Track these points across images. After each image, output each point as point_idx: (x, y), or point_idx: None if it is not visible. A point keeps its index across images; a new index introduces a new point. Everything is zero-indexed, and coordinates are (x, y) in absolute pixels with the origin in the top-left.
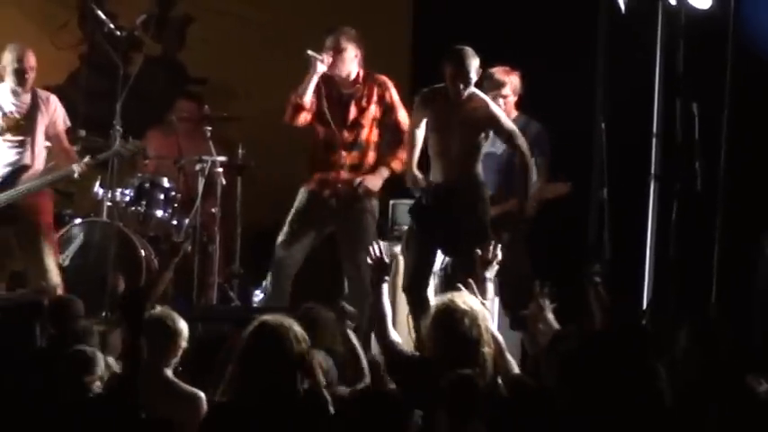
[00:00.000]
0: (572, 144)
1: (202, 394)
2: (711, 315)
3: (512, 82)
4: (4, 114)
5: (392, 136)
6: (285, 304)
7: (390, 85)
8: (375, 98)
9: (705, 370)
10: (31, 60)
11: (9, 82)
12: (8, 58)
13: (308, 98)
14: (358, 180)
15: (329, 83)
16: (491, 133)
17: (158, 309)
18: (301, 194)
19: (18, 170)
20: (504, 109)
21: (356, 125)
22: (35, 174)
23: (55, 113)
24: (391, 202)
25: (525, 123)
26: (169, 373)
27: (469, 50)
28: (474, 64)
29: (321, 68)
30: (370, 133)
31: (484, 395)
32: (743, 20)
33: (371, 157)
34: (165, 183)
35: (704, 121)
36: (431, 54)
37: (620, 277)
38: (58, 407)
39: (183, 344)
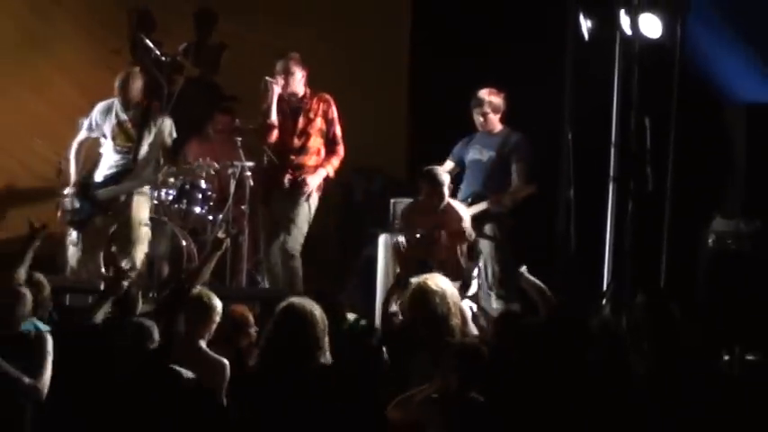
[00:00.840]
0: (544, 151)
1: (227, 362)
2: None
3: (491, 102)
4: (119, 123)
5: (330, 146)
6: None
7: (332, 102)
8: (320, 112)
9: (657, 336)
10: (136, 83)
11: (118, 101)
12: (117, 83)
13: (274, 116)
14: (302, 177)
15: (281, 99)
16: (476, 144)
17: (198, 288)
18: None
19: (122, 172)
20: (484, 123)
21: (304, 134)
22: (135, 176)
23: (162, 126)
24: (392, 200)
25: (507, 134)
26: (203, 343)
27: (440, 169)
28: (446, 180)
29: (277, 90)
30: (314, 141)
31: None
32: (687, 48)
33: (314, 160)
34: (203, 184)
35: (654, 133)
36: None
37: (583, 265)
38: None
39: (217, 318)
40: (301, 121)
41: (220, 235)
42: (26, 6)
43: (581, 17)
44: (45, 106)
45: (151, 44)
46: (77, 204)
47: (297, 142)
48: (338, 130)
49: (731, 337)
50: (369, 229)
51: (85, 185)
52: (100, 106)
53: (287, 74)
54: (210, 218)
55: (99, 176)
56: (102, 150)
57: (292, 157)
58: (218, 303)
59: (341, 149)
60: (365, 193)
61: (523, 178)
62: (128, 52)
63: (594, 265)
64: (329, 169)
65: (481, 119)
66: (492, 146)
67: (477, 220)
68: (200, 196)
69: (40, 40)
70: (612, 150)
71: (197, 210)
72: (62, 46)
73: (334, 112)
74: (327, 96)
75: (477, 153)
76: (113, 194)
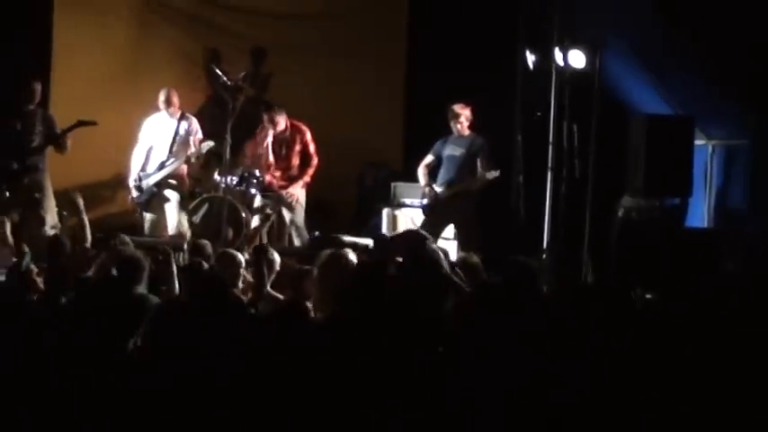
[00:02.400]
0: (500, 149)
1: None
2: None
3: (464, 113)
4: (161, 130)
5: (305, 162)
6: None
7: (307, 130)
8: (298, 139)
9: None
10: (173, 97)
11: (163, 109)
12: (160, 97)
13: (272, 158)
14: (290, 190)
15: (272, 135)
16: (450, 144)
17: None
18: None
19: (163, 162)
20: (459, 130)
21: (287, 157)
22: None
23: (191, 128)
24: (392, 184)
25: (474, 137)
26: (269, 288)
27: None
28: None
29: (271, 133)
30: (294, 160)
31: None
32: (604, 74)
33: (294, 173)
34: (257, 173)
35: (580, 134)
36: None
37: (530, 231)
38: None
39: (277, 268)
40: (284, 148)
41: (268, 211)
42: (131, 45)
43: (527, 53)
44: (145, 117)
45: (220, 72)
46: (136, 193)
47: (281, 163)
48: (312, 150)
49: (634, 281)
50: (376, 205)
51: (140, 179)
52: (148, 120)
53: (273, 122)
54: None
55: (149, 170)
56: (151, 152)
57: (277, 174)
58: (277, 258)
59: (314, 162)
60: (374, 179)
61: (486, 169)
62: (204, 78)
63: (537, 231)
64: (306, 178)
65: (457, 126)
66: (463, 145)
67: (456, 196)
68: (255, 181)
69: (141, 68)
70: (550, 147)
71: (252, 191)
72: (158, 74)
73: (308, 137)
74: (303, 127)
75: (451, 150)
76: (159, 179)
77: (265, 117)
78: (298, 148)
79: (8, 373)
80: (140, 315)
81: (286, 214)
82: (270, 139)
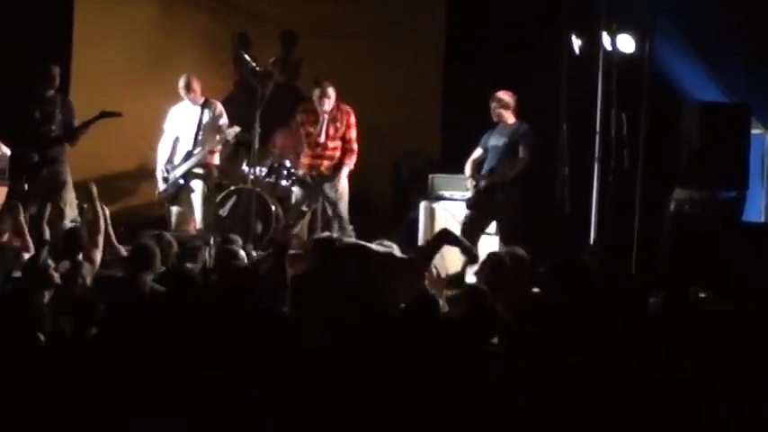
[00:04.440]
0: (546, 138)
1: None
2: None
3: (505, 101)
4: (186, 118)
5: (347, 147)
6: None
7: (352, 112)
8: (345, 121)
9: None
10: (194, 83)
11: (184, 96)
12: (180, 84)
13: (323, 137)
14: (336, 182)
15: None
16: (495, 134)
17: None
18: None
19: (189, 152)
20: (505, 117)
21: (336, 138)
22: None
23: (216, 113)
24: (430, 176)
25: (519, 125)
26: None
27: None
28: None
29: (326, 108)
30: (337, 143)
31: None
32: (654, 60)
33: (338, 155)
34: (287, 163)
35: (629, 123)
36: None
37: (575, 224)
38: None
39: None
40: (332, 127)
41: (303, 208)
42: (154, 29)
43: (573, 37)
44: (170, 106)
45: (249, 58)
46: (163, 186)
47: (330, 143)
48: (353, 134)
49: (688, 279)
50: (413, 198)
51: (166, 171)
52: (174, 110)
53: (328, 96)
54: (294, 189)
55: (176, 161)
56: (178, 142)
57: (328, 152)
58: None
59: (356, 147)
60: (410, 170)
61: (526, 157)
62: (231, 64)
63: (583, 225)
64: (351, 165)
65: (501, 114)
66: (506, 135)
67: (495, 187)
68: (285, 172)
69: (166, 54)
70: (597, 137)
71: (283, 182)
72: (182, 59)
73: (352, 120)
74: (348, 108)
75: (495, 140)
76: (185, 170)
77: (317, 92)
78: (343, 129)
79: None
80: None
81: (328, 205)
82: (326, 116)
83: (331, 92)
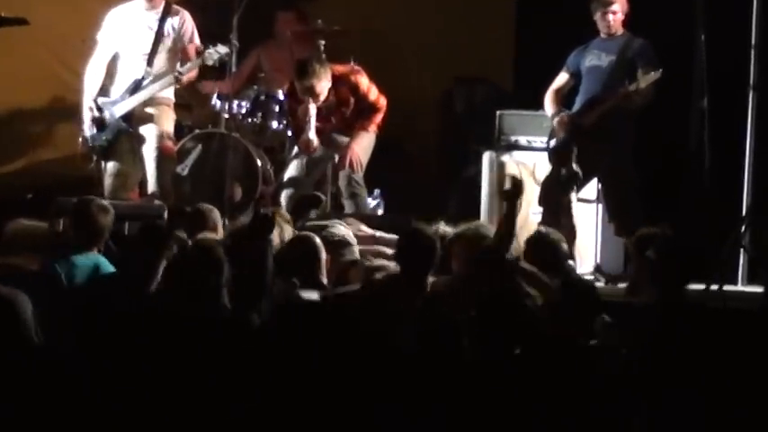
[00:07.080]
0: (673, 56)
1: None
2: None
3: (618, 2)
4: (135, 28)
5: (367, 112)
6: None
7: (360, 77)
8: (351, 100)
9: None
10: None
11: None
12: None
13: (313, 134)
14: (348, 153)
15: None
16: (593, 50)
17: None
18: None
19: (138, 82)
20: (611, 24)
21: (338, 123)
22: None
23: (184, 27)
24: (498, 112)
25: (629, 39)
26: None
27: None
28: None
29: (312, 109)
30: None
31: None
32: None
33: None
34: (280, 95)
35: None
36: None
37: (719, 183)
38: None
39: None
40: (333, 119)
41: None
42: None
43: None
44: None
45: None
46: (94, 130)
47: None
48: (372, 96)
49: None
50: (472, 146)
51: (99, 108)
52: (113, 13)
53: (315, 94)
54: (290, 134)
55: (114, 94)
56: (118, 64)
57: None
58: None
59: (380, 105)
60: (468, 105)
61: (658, 74)
62: None
63: (732, 184)
64: (372, 127)
65: (610, 17)
66: (612, 50)
67: (603, 125)
68: (276, 109)
69: None
70: (753, 54)
71: (273, 125)
72: None
73: (363, 88)
74: (353, 77)
75: (595, 59)
76: (130, 109)
77: (298, 87)
78: (352, 107)
79: None
80: None
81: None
82: (312, 114)
83: (321, 84)
